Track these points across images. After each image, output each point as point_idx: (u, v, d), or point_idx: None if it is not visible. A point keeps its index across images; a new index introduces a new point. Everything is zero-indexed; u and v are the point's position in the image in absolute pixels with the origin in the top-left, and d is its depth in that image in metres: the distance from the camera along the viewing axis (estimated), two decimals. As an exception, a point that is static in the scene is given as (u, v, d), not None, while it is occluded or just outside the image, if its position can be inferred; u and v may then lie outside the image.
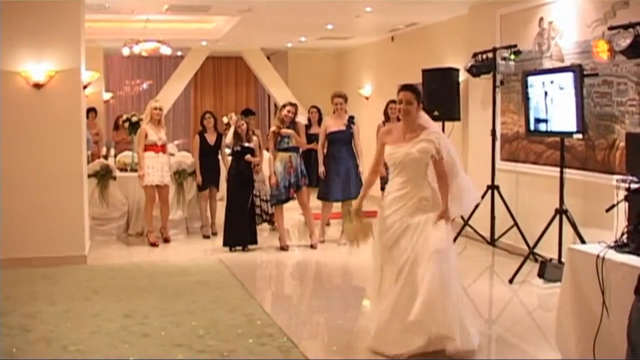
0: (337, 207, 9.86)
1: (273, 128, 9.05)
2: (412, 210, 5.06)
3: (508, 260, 8.27)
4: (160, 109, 9.57)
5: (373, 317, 5.32)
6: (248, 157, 9.03)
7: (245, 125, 9.17)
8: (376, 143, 5.50)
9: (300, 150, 9.11)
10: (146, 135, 9.30)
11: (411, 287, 4.93)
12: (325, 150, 9.46)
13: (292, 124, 8.98)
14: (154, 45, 12.41)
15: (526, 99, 7.69)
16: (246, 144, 9.09)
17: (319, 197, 9.83)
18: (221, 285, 7.35)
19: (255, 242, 9.08)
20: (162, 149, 9.47)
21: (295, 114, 9.04)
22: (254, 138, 9.28)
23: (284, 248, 9.04)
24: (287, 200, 9.00)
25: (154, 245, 9.33)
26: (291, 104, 9.12)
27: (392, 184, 5.21)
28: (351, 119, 9.44)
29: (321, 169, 9.40)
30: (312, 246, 9.16)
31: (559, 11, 7.93)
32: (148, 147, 9.29)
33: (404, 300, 4.93)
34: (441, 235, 4.97)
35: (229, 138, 9.92)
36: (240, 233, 8.93)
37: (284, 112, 8.94)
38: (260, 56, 16.58)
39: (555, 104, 7.24)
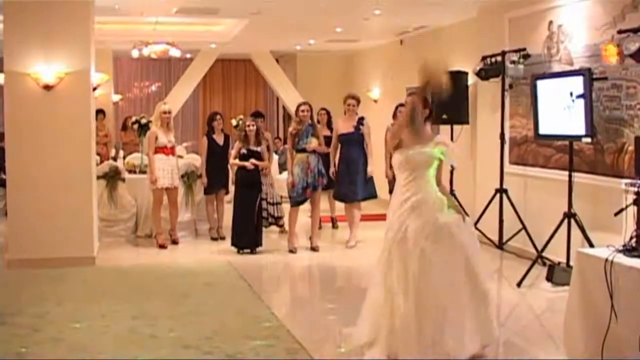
0: (340, 209, 9.93)
1: (290, 129, 9.04)
2: (435, 211, 5.03)
3: (516, 263, 8.25)
4: (169, 112, 9.58)
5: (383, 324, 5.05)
6: (252, 161, 9.00)
7: (254, 126, 9.15)
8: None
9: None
10: (156, 138, 9.32)
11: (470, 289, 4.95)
12: (338, 152, 9.51)
13: (312, 126, 8.97)
14: (163, 48, 12.44)
15: (535, 102, 7.67)
16: (253, 147, 9.08)
17: (333, 197, 9.96)
18: (229, 287, 7.36)
19: (260, 244, 9.08)
20: (172, 151, 9.49)
21: (311, 111, 9.01)
22: (263, 142, 9.27)
23: (292, 251, 9.03)
24: (305, 201, 8.98)
25: (162, 247, 9.35)
26: (304, 103, 9.10)
27: (410, 187, 5.08)
28: (361, 120, 9.46)
29: (332, 169, 9.45)
30: (314, 249, 9.14)
31: (568, 14, 7.91)
32: (158, 150, 9.31)
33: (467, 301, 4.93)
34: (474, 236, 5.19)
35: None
36: (247, 236, 8.94)
37: (299, 112, 8.94)
38: (269, 59, 16.59)
39: (564, 108, 7.22)
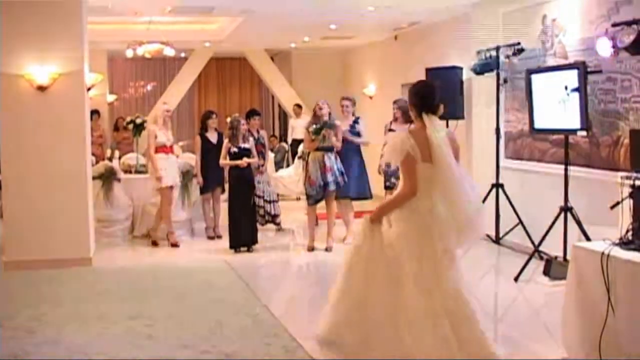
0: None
1: (306, 124, 9.07)
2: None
3: (513, 258, 8.25)
4: (170, 111, 9.67)
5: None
6: (245, 159, 9.00)
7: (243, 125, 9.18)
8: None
9: (335, 149, 8.96)
10: (155, 137, 9.30)
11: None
12: None
13: (331, 124, 8.89)
14: (157, 47, 12.42)
15: (530, 96, 7.67)
16: (242, 145, 9.08)
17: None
18: (226, 286, 7.35)
19: (255, 241, 9.07)
20: (171, 149, 9.49)
21: (327, 108, 8.94)
22: (250, 139, 9.27)
23: (310, 249, 8.98)
24: (322, 199, 8.97)
25: (174, 245, 9.35)
26: (322, 102, 9.05)
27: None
28: (356, 119, 9.52)
29: None
30: (327, 249, 9.02)
31: (562, 8, 7.91)
32: (159, 149, 9.29)
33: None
34: None
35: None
36: (243, 234, 8.93)
37: (316, 108, 8.93)
38: (264, 57, 16.59)
39: (560, 102, 7.21)
